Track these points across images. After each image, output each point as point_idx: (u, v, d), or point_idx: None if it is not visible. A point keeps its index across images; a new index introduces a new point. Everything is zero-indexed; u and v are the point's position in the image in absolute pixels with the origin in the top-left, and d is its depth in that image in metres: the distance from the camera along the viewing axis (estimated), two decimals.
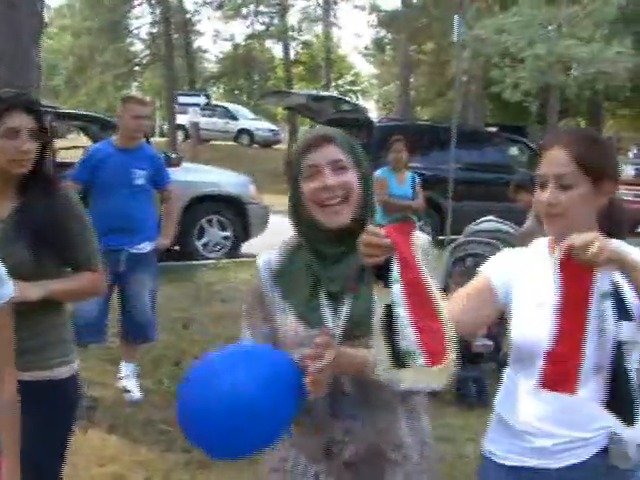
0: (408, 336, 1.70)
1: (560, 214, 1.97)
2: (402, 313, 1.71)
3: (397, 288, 1.71)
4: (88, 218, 2.67)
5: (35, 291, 2.44)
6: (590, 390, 1.93)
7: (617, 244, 1.85)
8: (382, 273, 1.73)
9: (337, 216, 1.94)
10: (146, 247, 5.26)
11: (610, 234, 1.89)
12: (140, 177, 5.21)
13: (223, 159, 20.19)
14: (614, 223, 2.07)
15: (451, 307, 1.88)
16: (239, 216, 10.14)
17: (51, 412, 2.54)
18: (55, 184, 2.55)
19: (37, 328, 2.51)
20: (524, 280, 2.07)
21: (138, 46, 34.88)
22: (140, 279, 5.25)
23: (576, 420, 1.96)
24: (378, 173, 7.27)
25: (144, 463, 4.27)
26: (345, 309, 1.94)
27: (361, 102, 45.73)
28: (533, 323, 1.99)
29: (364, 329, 1.88)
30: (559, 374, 1.83)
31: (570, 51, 19.01)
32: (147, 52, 34.20)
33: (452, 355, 1.72)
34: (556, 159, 1.96)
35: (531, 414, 2.00)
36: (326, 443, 1.95)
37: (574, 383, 1.81)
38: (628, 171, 20.96)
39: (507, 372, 2.13)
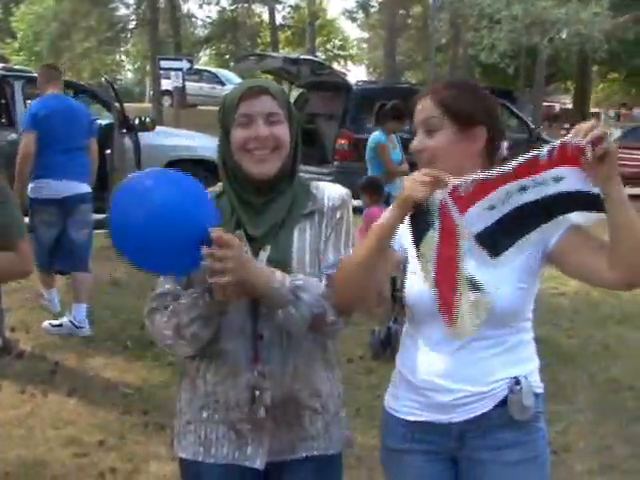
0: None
1: (429, 160, 1.95)
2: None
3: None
4: (8, 192, 2.41)
5: None
6: (487, 345, 1.95)
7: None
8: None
9: (264, 164, 1.93)
10: None
11: None
12: None
13: (208, 124, 20.01)
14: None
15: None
16: (215, 180, 10.00)
17: None
18: None
19: None
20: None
21: (123, 11, 34.49)
22: None
23: (474, 375, 1.96)
24: (378, 139, 6.96)
25: (100, 425, 4.26)
26: (265, 254, 1.94)
27: (352, 67, 45.46)
28: (419, 280, 1.96)
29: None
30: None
31: (546, 12, 18.88)
32: (133, 17, 33.76)
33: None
34: (423, 107, 1.97)
35: (430, 371, 1.99)
36: (244, 388, 1.93)
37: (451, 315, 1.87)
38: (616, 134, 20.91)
39: (406, 328, 2.11)
